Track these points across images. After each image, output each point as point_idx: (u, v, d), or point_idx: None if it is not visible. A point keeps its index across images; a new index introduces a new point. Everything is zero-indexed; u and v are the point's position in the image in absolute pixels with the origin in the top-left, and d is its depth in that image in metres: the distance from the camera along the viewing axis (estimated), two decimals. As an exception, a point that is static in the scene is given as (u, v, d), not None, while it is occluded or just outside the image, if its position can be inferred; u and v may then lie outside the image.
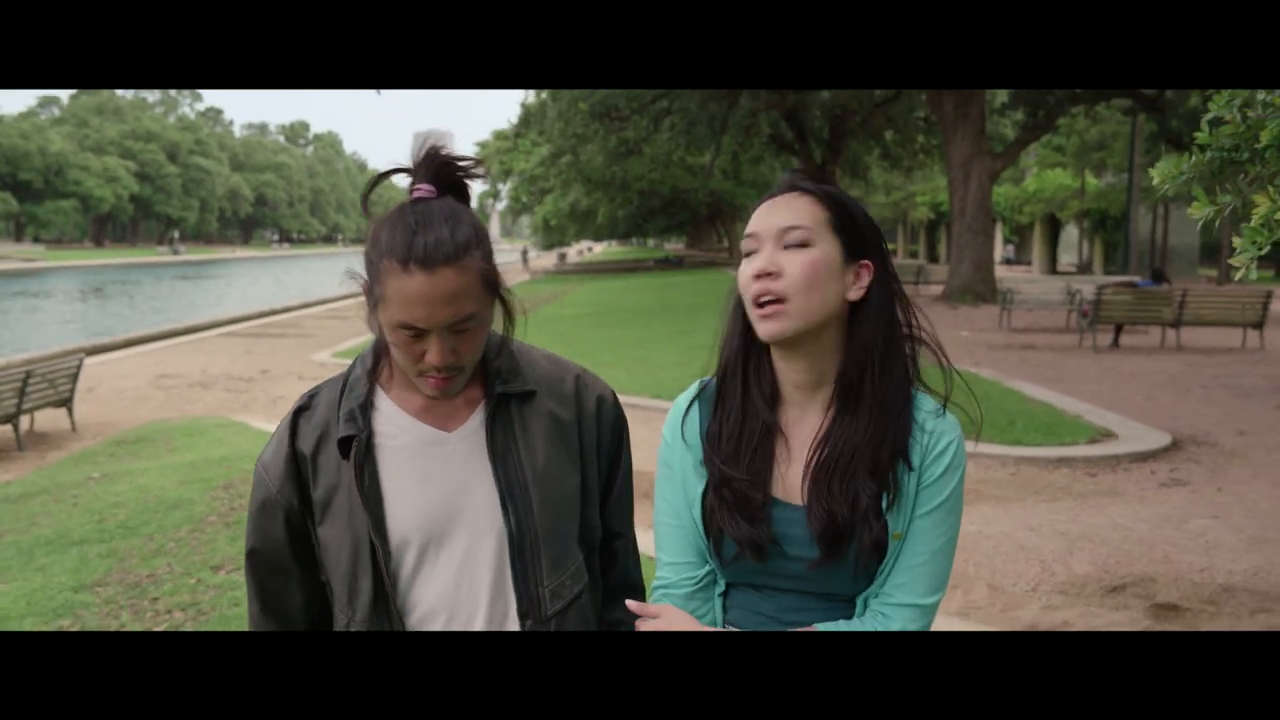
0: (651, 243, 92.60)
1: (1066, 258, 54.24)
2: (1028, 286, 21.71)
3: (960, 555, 6.40)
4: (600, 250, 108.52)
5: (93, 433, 13.07)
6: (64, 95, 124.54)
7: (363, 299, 1.85)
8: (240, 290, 51.34)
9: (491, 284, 1.80)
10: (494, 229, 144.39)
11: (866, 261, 1.75)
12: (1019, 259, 58.23)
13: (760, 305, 1.71)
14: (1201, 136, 2.92)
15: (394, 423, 1.92)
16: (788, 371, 1.79)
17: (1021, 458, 9.25)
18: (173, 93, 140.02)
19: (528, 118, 41.24)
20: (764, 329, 1.72)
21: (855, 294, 1.74)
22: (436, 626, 1.90)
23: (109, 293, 49.29)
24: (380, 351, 1.95)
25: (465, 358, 1.80)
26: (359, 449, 1.86)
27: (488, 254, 1.79)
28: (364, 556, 1.86)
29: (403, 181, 1.84)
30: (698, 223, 71.54)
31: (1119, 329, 17.87)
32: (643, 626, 1.81)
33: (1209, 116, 2.93)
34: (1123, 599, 5.76)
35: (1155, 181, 3.02)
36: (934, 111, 28.17)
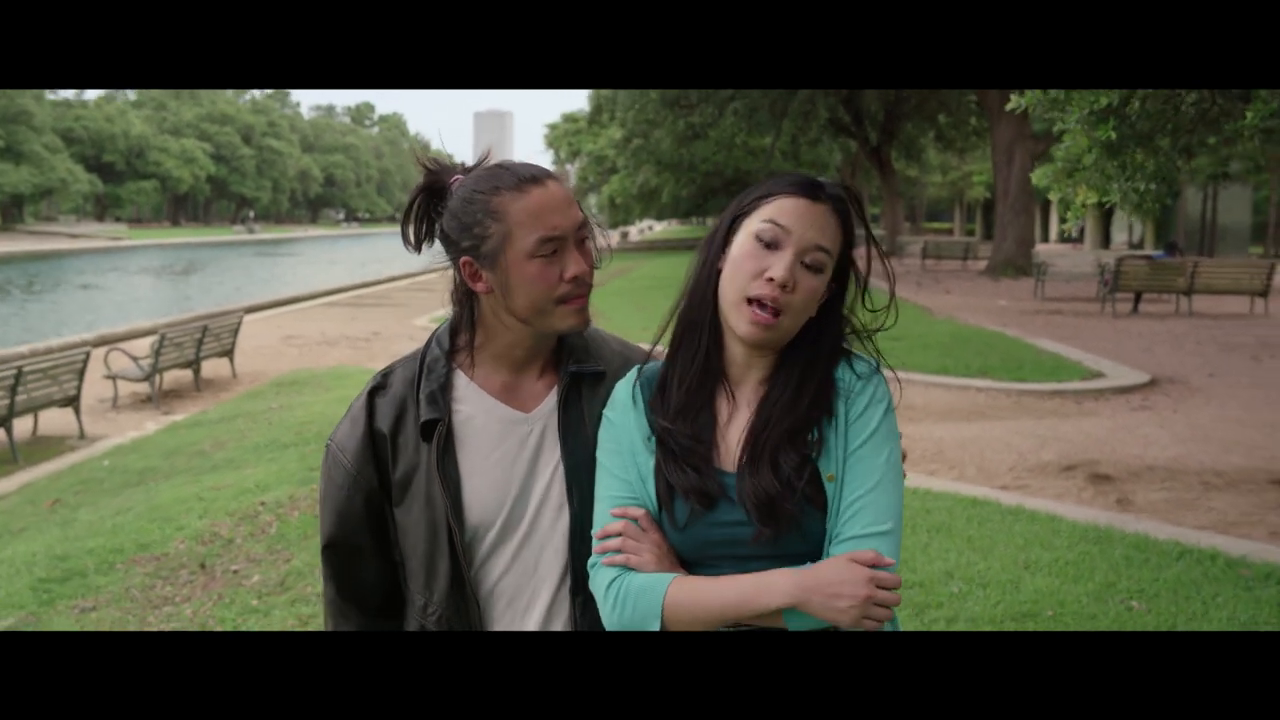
0: (711, 221, 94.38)
1: (1120, 236, 55.60)
2: (1060, 260, 23.78)
3: (958, 450, 8.65)
4: (661, 229, 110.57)
5: (248, 380, 15.44)
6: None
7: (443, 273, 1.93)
8: (324, 266, 53.87)
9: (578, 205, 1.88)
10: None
11: (834, 283, 1.80)
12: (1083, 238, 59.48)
13: (752, 304, 1.71)
14: (1058, 153, 5.12)
15: (474, 404, 1.93)
16: (735, 350, 1.81)
17: (1023, 391, 11.51)
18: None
19: (600, 104, 43.80)
20: (748, 331, 1.72)
21: (813, 310, 1.78)
22: (504, 602, 1.92)
23: (204, 268, 52.11)
24: (459, 333, 1.98)
25: (591, 269, 1.87)
26: (441, 433, 1.88)
27: None
28: (441, 540, 1.88)
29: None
30: (757, 202, 73.14)
31: (1138, 297, 19.89)
32: (621, 536, 1.78)
33: (1065, 145, 5.13)
34: (1071, 474, 7.96)
35: (1034, 181, 5.26)
36: (979, 98, 30.15)
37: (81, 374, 11.74)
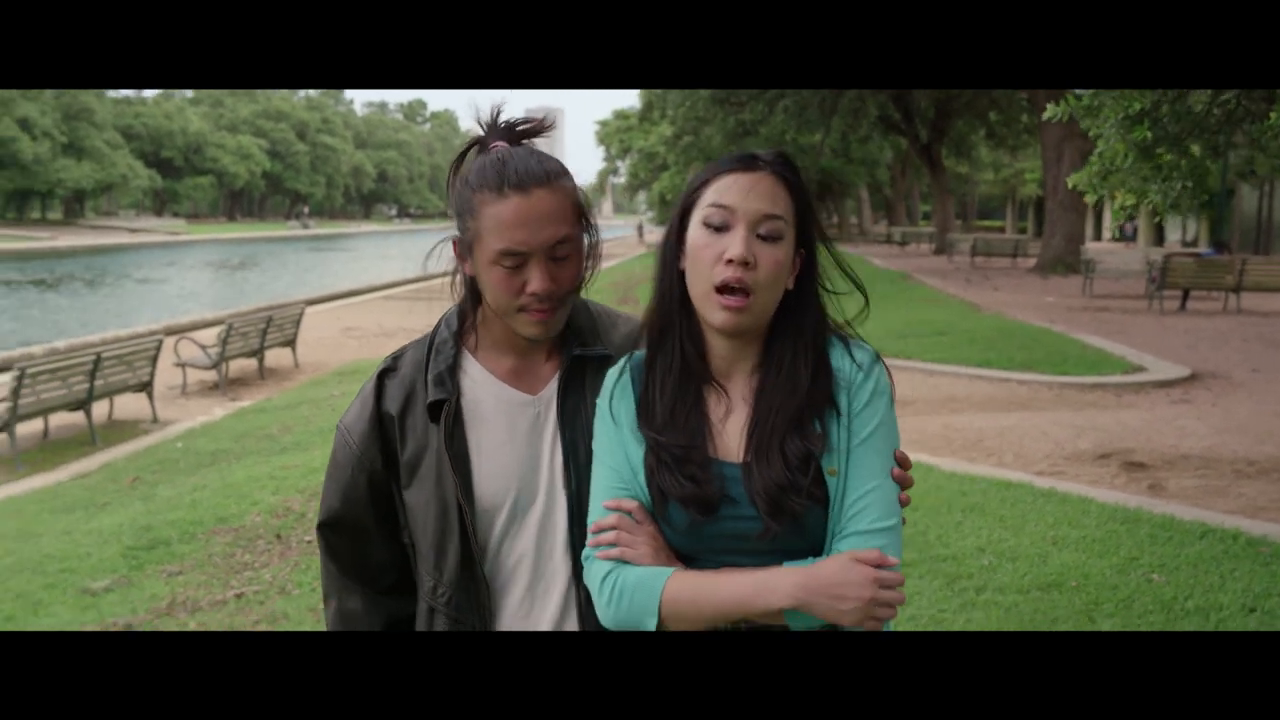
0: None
1: (1174, 235, 55.21)
2: (1109, 258, 23.89)
3: (996, 438, 8.94)
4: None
5: (309, 369, 15.98)
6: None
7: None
8: (378, 260, 54.59)
9: (581, 212, 1.84)
10: (608, 205, 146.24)
11: (803, 250, 1.75)
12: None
13: (724, 293, 1.67)
14: (1093, 158, 5.42)
15: (482, 386, 1.92)
16: (718, 344, 1.76)
17: (1065, 384, 11.76)
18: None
19: (650, 101, 44.28)
20: (722, 318, 1.67)
21: (790, 283, 1.74)
22: (520, 588, 1.91)
23: (261, 263, 53.05)
24: (466, 315, 1.96)
25: (564, 286, 1.81)
26: (449, 413, 1.87)
27: (575, 185, 1.84)
28: (452, 520, 1.88)
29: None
30: (807, 199, 73.43)
31: (1186, 294, 19.98)
32: (619, 527, 1.73)
33: (1100, 150, 5.43)
34: (1106, 462, 8.22)
35: (1070, 185, 5.55)
36: (1029, 96, 30.23)
37: (155, 361, 12.29)
